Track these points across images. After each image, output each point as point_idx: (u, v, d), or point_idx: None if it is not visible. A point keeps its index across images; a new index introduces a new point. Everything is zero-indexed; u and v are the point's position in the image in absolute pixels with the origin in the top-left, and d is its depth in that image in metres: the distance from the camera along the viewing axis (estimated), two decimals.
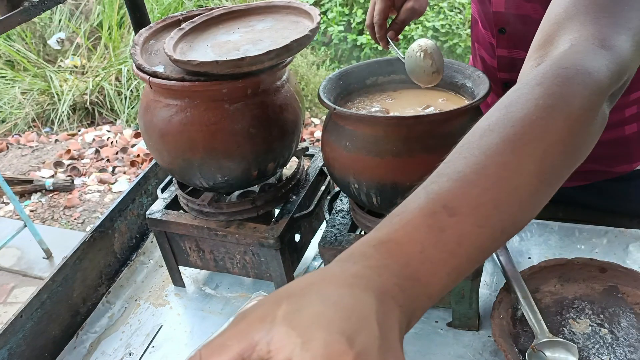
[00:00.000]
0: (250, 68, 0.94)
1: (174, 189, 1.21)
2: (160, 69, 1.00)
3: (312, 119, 4.42)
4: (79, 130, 4.47)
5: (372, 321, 0.44)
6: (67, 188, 3.65)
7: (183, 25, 1.08)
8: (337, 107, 0.92)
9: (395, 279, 0.48)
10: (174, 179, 1.19)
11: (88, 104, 4.63)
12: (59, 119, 4.56)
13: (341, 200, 1.14)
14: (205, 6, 5.29)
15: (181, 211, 1.17)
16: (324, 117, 4.49)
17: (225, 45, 1.02)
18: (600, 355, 0.96)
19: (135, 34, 1.25)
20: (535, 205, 0.59)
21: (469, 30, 5.03)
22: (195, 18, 1.09)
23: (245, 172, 1.04)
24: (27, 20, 1.05)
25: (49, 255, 2.88)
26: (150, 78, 0.98)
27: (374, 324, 0.44)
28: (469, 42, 4.95)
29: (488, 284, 1.13)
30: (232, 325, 0.44)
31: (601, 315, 1.02)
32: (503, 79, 1.23)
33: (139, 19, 1.31)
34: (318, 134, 4.20)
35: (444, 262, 0.51)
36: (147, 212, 1.16)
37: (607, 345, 0.97)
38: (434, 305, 1.02)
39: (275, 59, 0.94)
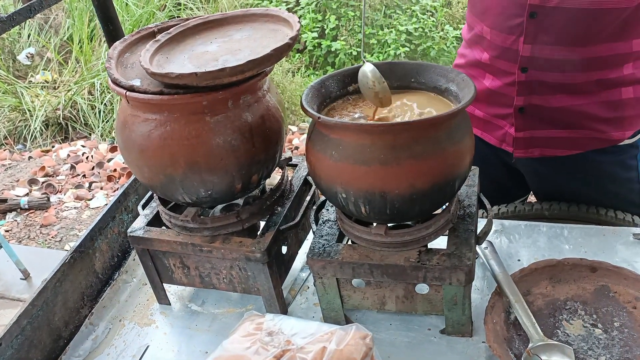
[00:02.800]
0: (231, 79, 0.92)
1: (155, 204, 1.18)
2: (137, 82, 0.97)
3: (290, 126, 4.39)
4: (53, 146, 4.38)
5: None
6: (43, 206, 3.57)
7: (158, 37, 1.05)
8: (321, 116, 0.90)
9: None
10: (155, 194, 1.15)
11: (61, 119, 4.54)
12: (32, 135, 4.47)
13: (327, 209, 1.12)
14: (178, 17, 5.25)
15: (164, 227, 1.14)
16: (301, 125, 4.47)
17: (203, 56, 1.00)
18: (596, 356, 0.95)
19: (109, 47, 1.22)
20: None
21: (441, 33, 5.06)
22: (171, 29, 1.07)
23: (228, 186, 1.01)
24: None
25: (26, 275, 2.79)
26: (127, 92, 0.95)
27: None
28: (442, 45, 5.00)
29: (479, 289, 1.12)
30: None
31: (594, 316, 1.02)
32: (519, 105, 1.26)
33: (112, 32, 1.28)
34: (296, 141, 4.18)
35: None
36: (129, 230, 1.12)
37: (602, 345, 0.96)
38: (425, 312, 1.01)
39: (256, 68, 0.92)
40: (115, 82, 0.97)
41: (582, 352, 0.96)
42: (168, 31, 1.06)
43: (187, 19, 1.11)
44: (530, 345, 0.95)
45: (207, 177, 0.99)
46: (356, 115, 0.98)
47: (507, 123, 1.31)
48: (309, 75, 5.02)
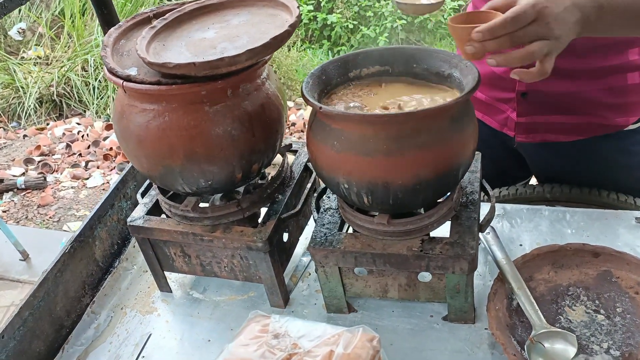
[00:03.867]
0: (230, 68, 0.90)
1: (154, 193, 1.17)
2: (133, 71, 0.95)
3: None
4: (48, 124, 4.34)
5: (562, 4, 0.83)
6: (40, 186, 3.55)
7: (154, 22, 1.02)
8: (323, 106, 0.88)
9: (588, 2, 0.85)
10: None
11: (55, 96, 4.50)
12: (26, 112, 4.43)
13: (328, 197, 1.11)
14: None
15: (163, 216, 1.13)
16: (297, 100, 4.43)
17: (200, 44, 0.97)
18: (598, 343, 0.95)
19: (104, 32, 1.19)
20: None
21: None
22: (167, 14, 1.04)
23: (229, 176, 1.00)
24: None
25: (25, 257, 2.80)
26: (124, 82, 0.93)
27: (562, 5, 0.83)
28: (440, 17, 4.93)
29: (481, 275, 1.12)
30: None
31: (596, 302, 1.02)
32: (521, 90, 1.24)
33: (107, 17, 1.25)
34: (293, 117, 4.15)
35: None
36: (128, 219, 1.11)
37: (605, 331, 0.97)
38: (428, 300, 1.01)
39: (255, 57, 0.90)
40: (112, 72, 0.95)
41: (584, 339, 0.96)
42: (164, 17, 1.03)
43: (183, 3, 1.08)
44: (533, 333, 0.95)
45: (207, 167, 0.97)
46: (351, 105, 0.96)
47: (509, 107, 1.29)
48: (304, 50, 4.96)
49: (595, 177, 1.32)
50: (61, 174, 3.71)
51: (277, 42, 0.91)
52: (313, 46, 5.09)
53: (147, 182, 1.20)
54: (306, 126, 0.98)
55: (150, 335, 1.13)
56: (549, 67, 0.85)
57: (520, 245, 1.17)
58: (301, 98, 0.97)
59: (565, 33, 0.84)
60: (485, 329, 1.02)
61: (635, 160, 1.28)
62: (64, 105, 4.51)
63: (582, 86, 1.20)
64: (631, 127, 1.24)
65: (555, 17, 0.82)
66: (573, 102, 1.23)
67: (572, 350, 0.93)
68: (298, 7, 0.97)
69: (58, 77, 4.51)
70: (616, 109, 1.22)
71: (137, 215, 1.12)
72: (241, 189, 1.13)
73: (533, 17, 0.81)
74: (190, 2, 1.07)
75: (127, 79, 0.93)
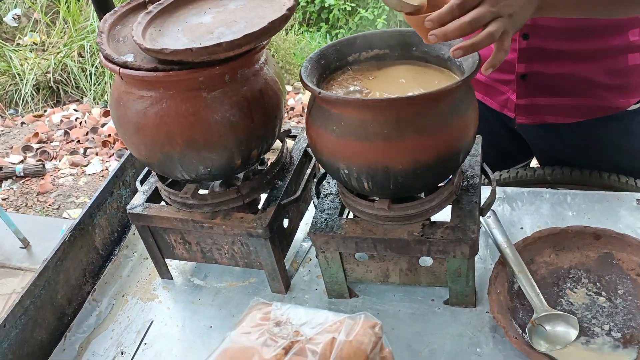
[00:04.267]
0: (227, 54, 0.89)
1: (153, 180, 1.16)
2: (130, 58, 0.94)
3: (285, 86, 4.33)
4: (45, 111, 4.32)
5: None
6: (39, 173, 3.54)
7: (150, 7, 1.01)
8: (322, 92, 0.87)
9: None
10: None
11: (52, 82, 4.47)
12: (23, 99, 4.40)
13: (328, 182, 1.10)
14: None
15: (163, 203, 1.13)
16: (296, 84, 4.41)
17: (197, 29, 0.96)
18: (600, 325, 0.95)
19: (99, 18, 1.18)
20: None
21: None
22: None
23: (228, 162, 0.99)
24: None
25: (26, 244, 2.80)
26: (121, 69, 0.92)
27: None
28: None
29: (482, 258, 1.12)
30: None
31: (598, 284, 1.02)
32: (520, 72, 1.23)
33: (102, 2, 1.23)
34: (292, 102, 4.13)
35: None
36: (128, 207, 1.11)
37: (606, 313, 0.97)
38: (429, 284, 1.01)
39: (253, 42, 0.89)
40: (108, 59, 0.94)
41: (586, 321, 0.96)
42: (160, 2, 1.02)
43: None
44: (534, 315, 0.95)
45: (206, 154, 0.97)
46: (351, 89, 0.95)
47: (509, 89, 1.28)
48: (302, 33, 4.92)
49: (596, 158, 1.31)
50: (60, 161, 3.70)
51: (275, 26, 0.89)
52: (311, 29, 5.05)
53: (146, 169, 1.20)
54: (305, 110, 0.97)
55: (152, 322, 1.13)
56: (507, 45, 0.84)
57: (521, 228, 1.16)
58: (300, 82, 0.95)
59: (518, 10, 0.83)
60: (486, 312, 1.02)
61: (636, 141, 1.28)
62: (61, 91, 4.49)
63: (583, 67, 1.19)
64: (632, 107, 1.23)
65: None
66: (573, 84, 1.22)
67: (573, 333, 0.93)
68: None
69: (54, 64, 4.48)
70: (617, 90, 1.21)
71: (137, 203, 1.11)
72: (241, 175, 1.13)
73: None
74: None
75: (124, 65, 0.92)
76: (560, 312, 0.96)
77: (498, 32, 0.81)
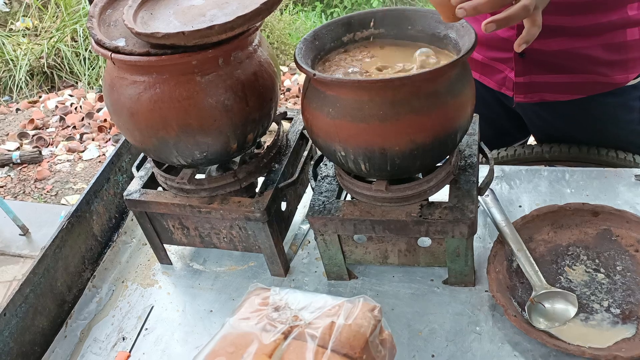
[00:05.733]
0: (220, 36, 0.87)
1: (149, 166, 1.15)
2: (121, 42, 0.93)
3: (280, 67, 4.30)
4: (40, 97, 4.30)
5: None
6: (36, 160, 3.53)
7: None
8: (317, 73, 0.86)
9: None
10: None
11: (46, 67, 4.43)
12: (17, 86, 4.37)
13: (325, 165, 1.10)
14: None
15: (160, 189, 1.12)
16: (291, 65, 4.37)
17: (189, 11, 0.95)
18: (599, 302, 0.96)
19: (89, 3, 1.16)
20: None
21: None
22: None
23: (224, 146, 0.99)
24: None
25: (25, 231, 2.81)
26: (113, 54, 0.91)
27: None
28: None
29: (481, 237, 1.12)
30: None
31: (596, 260, 1.02)
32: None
33: None
34: (288, 82, 4.11)
35: None
36: (125, 193, 1.10)
37: (605, 290, 0.97)
38: (428, 264, 1.01)
39: (246, 24, 0.88)
40: (99, 44, 0.93)
41: (585, 298, 0.97)
42: None
43: None
44: (533, 293, 0.96)
45: (201, 138, 0.96)
46: (350, 70, 0.94)
47: (507, 67, 1.27)
48: (297, 12, 4.87)
49: (595, 134, 1.31)
50: (56, 147, 3.68)
51: (268, 7, 0.88)
52: (306, 9, 5.00)
53: (142, 155, 1.19)
54: (301, 92, 0.96)
55: (152, 307, 1.14)
56: (540, 19, 0.82)
57: (520, 206, 1.16)
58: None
59: None
60: (485, 291, 1.02)
61: (636, 115, 1.27)
62: (55, 77, 4.45)
63: (581, 43, 1.18)
64: (631, 83, 1.22)
65: None
66: (572, 60, 1.21)
67: (572, 310, 0.94)
68: None
69: (48, 49, 4.44)
70: (616, 65, 1.20)
71: (134, 189, 1.11)
72: (237, 159, 1.12)
73: None
74: None
75: (116, 50, 0.91)
76: (559, 290, 0.96)
77: (532, 5, 0.79)
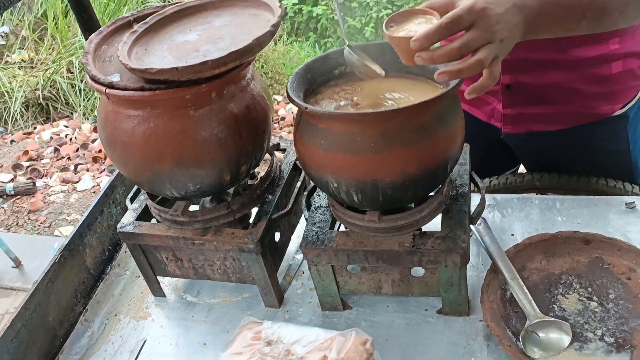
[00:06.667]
0: (213, 71, 0.89)
1: (143, 198, 1.16)
2: (116, 78, 0.94)
3: (275, 96, 4.34)
4: (35, 128, 4.31)
5: (503, 5, 0.79)
6: (29, 191, 3.52)
7: (135, 27, 1.01)
8: (308, 107, 0.87)
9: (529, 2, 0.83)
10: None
11: (41, 99, 4.45)
12: (13, 117, 4.38)
13: (319, 195, 1.10)
14: None
15: (153, 221, 1.13)
16: (285, 93, 4.41)
17: (183, 47, 0.96)
18: (592, 330, 0.96)
19: (85, 38, 1.18)
20: None
21: None
22: (148, 18, 1.03)
23: (217, 179, 0.99)
24: None
25: (17, 263, 2.78)
26: (107, 89, 0.92)
27: (503, 6, 0.79)
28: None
29: (474, 266, 1.12)
30: None
31: (589, 289, 1.02)
32: (505, 83, 1.24)
33: (87, 22, 1.23)
34: (282, 112, 4.14)
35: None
36: (118, 226, 1.10)
37: (598, 318, 0.97)
38: (422, 294, 1.01)
39: (238, 59, 0.89)
40: (94, 79, 0.94)
41: (578, 327, 0.97)
42: (145, 21, 1.02)
43: (164, 6, 1.07)
44: (527, 323, 0.96)
45: (195, 171, 0.97)
46: (342, 103, 0.96)
47: (495, 99, 1.29)
48: (291, 43, 4.94)
49: (584, 163, 1.32)
50: (50, 178, 3.68)
51: (260, 43, 0.90)
52: (299, 39, 5.07)
53: (136, 187, 1.19)
54: (294, 124, 0.97)
55: (145, 341, 1.13)
56: (497, 71, 0.81)
57: (512, 235, 1.17)
58: None
59: (508, 35, 0.80)
60: (480, 320, 1.02)
61: (623, 145, 1.29)
62: (51, 108, 4.47)
63: (566, 77, 1.20)
64: (618, 112, 1.24)
65: (497, 19, 0.78)
66: (558, 93, 1.23)
67: (566, 339, 0.94)
68: (280, 7, 0.96)
69: (43, 80, 4.47)
70: (601, 97, 1.22)
71: (127, 221, 1.11)
72: (231, 191, 1.13)
73: (472, 20, 0.77)
74: (171, 4, 1.06)
75: (110, 85, 0.92)
76: (553, 319, 0.96)
77: (488, 59, 0.78)
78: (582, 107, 1.23)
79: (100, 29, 1.05)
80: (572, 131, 1.27)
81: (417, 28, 0.83)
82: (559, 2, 0.87)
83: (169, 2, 4.58)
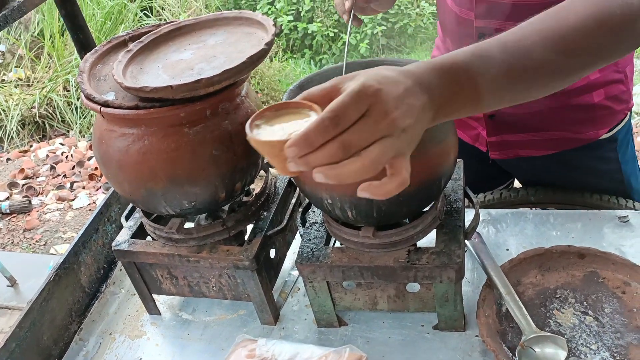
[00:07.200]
0: (207, 89, 0.90)
1: (138, 215, 1.16)
2: (111, 96, 0.95)
3: None
4: (31, 146, 4.31)
5: (401, 85, 0.62)
6: (25, 209, 3.51)
7: (130, 46, 1.02)
8: None
9: (433, 79, 0.65)
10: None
11: (37, 117, 4.46)
12: (9, 135, 4.38)
13: (313, 211, 1.11)
14: (150, 7, 5.16)
15: (149, 238, 1.13)
16: None
17: (177, 65, 0.97)
18: (588, 345, 0.96)
19: (80, 57, 1.19)
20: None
21: (417, 10, 5.02)
22: (143, 37, 1.04)
23: (212, 196, 0.99)
24: None
25: (13, 282, 2.76)
26: (102, 108, 0.92)
27: (401, 86, 0.62)
28: (419, 22, 4.96)
29: (469, 281, 1.12)
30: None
31: (584, 303, 1.02)
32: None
33: (82, 41, 1.24)
34: None
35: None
36: (113, 244, 1.10)
37: (594, 333, 0.97)
38: (417, 310, 1.01)
39: (232, 77, 0.90)
40: (89, 98, 0.95)
41: (574, 341, 0.96)
42: (140, 40, 1.03)
43: (159, 25, 1.08)
44: (523, 338, 0.95)
45: (190, 189, 0.97)
46: None
47: (479, 125, 1.30)
48: (286, 60, 4.97)
49: (575, 182, 1.32)
50: (46, 196, 3.67)
51: (254, 61, 0.91)
52: (295, 56, 5.10)
53: (131, 205, 1.19)
54: None
55: (140, 359, 1.12)
56: (406, 172, 0.62)
57: (507, 249, 1.17)
58: None
59: (412, 123, 0.60)
60: (476, 336, 1.02)
61: (613, 166, 1.29)
62: (47, 126, 4.48)
63: (549, 106, 1.20)
64: (605, 136, 1.25)
65: (395, 102, 0.59)
66: (542, 121, 1.23)
67: (562, 354, 0.94)
68: (274, 25, 0.97)
69: (40, 98, 4.47)
70: (585, 123, 1.23)
71: (122, 239, 1.11)
72: (226, 208, 1.13)
73: (361, 108, 0.58)
74: (166, 23, 1.07)
75: (105, 104, 0.93)
76: (549, 334, 0.96)
77: (385, 156, 0.59)
78: (567, 132, 1.24)
79: (96, 48, 1.05)
80: (560, 155, 1.27)
81: (292, 127, 0.63)
82: (477, 70, 0.66)
83: (164, 21, 4.62)
